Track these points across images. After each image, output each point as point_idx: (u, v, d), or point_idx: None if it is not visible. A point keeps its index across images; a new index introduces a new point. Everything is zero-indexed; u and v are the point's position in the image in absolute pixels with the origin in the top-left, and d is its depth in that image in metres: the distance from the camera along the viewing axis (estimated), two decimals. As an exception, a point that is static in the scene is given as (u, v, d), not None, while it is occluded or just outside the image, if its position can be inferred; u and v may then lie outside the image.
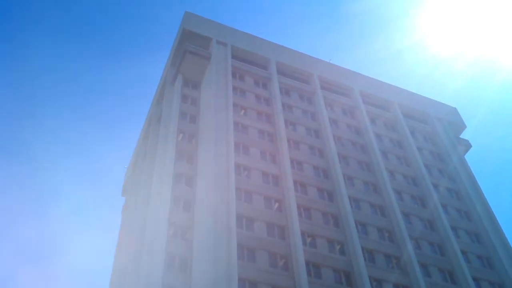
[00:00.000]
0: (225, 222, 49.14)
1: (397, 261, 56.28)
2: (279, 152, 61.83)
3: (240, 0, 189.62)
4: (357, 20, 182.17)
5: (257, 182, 56.70)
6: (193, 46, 71.82)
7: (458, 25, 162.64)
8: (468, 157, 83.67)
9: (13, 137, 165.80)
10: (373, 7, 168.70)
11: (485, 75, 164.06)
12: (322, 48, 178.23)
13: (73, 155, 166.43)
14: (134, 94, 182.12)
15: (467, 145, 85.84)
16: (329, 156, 65.01)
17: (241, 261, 47.37)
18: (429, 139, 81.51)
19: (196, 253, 48.36)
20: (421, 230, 62.34)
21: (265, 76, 74.24)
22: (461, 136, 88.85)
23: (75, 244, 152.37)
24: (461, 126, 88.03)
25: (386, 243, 57.77)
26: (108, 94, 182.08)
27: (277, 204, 55.53)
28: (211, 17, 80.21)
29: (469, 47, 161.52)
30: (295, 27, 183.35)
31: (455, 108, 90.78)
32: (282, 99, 71.11)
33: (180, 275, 47.01)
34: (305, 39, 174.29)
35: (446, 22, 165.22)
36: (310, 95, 75.74)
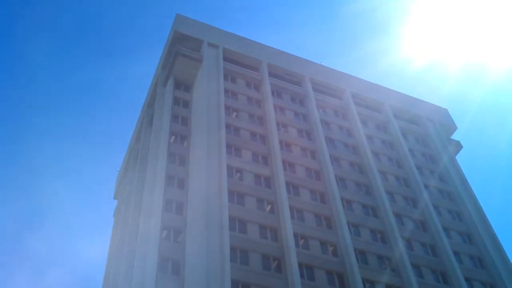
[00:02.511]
0: (217, 224, 49.09)
1: (390, 262, 56.39)
2: (271, 154, 61.83)
3: (231, 2, 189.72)
4: (350, 22, 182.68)
5: (249, 184, 56.68)
6: (184, 48, 71.68)
7: (449, 28, 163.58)
8: (459, 157, 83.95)
9: (2, 140, 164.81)
10: (366, 9, 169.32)
11: (475, 77, 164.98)
12: (314, 50, 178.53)
13: (64, 158, 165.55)
14: (125, 96, 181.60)
15: (458, 146, 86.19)
16: (321, 157, 65.08)
17: (234, 263, 47.31)
18: (420, 140, 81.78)
19: (189, 256, 48.20)
20: (413, 231, 62.52)
21: (257, 78, 74.25)
22: (452, 137, 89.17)
23: (66, 248, 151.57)
24: (452, 127, 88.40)
25: (378, 244, 57.89)
26: (100, 96, 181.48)
27: (269, 206, 55.51)
28: (203, 20, 79.95)
29: (460, 49, 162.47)
30: (287, 29, 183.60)
31: (446, 109, 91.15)
32: (274, 101, 71.11)
33: (173, 278, 46.85)
34: (297, 41, 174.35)
35: (437, 25, 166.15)
36: (302, 97, 75.81)
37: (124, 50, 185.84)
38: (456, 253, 62.51)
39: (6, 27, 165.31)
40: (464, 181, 75.53)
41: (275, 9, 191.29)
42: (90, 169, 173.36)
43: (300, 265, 50.15)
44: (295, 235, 53.10)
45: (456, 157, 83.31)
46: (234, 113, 66.09)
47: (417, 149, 78.76)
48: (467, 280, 59.52)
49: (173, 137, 62.09)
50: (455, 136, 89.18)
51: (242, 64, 75.98)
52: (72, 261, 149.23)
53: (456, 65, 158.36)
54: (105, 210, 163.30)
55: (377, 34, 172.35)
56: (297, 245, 52.23)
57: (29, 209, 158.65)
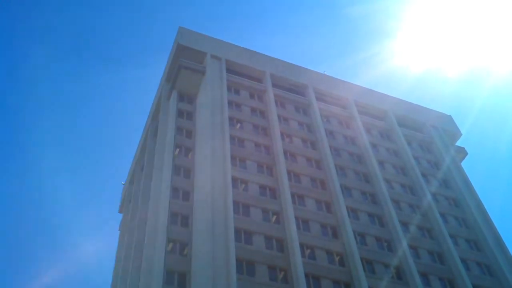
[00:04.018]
0: (223, 236, 49.05)
1: (397, 271, 56.12)
2: (276, 164, 61.83)
3: (233, 14, 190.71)
4: (349, 26, 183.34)
5: (254, 195, 56.65)
6: (187, 61, 72.01)
7: (449, 32, 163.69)
8: (464, 164, 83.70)
9: (8, 154, 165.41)
10: (365, 13, 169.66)
11: (475, 81, 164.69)
12: (313, 54, 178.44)
13: (69, 174, 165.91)
14: (130, 108, 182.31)
15: (463, 153, 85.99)
16: (326, 167, 65.00)
17: (241, 275, 47.20)
18: (425, 148, 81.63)
19: (195, 269, 48.16)
20: (419, 239, 62.27)
21: (260, 89, 74.42)
22: (455, 143, 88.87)
23: (72, 262, 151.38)
24: (457, 133, 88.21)
25: (385, 252, 57.66)
26: (104, 110, 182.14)
27: (275, 217, 55.43)
28: (205, 32, 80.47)
29: (460, 53, 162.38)
30: (286, 33, 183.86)
31: (450, 116, 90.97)
32: (277, 112, 71.17)
33: (179, 291, 46.77)
34: (296, 45, 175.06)
35: (437, 29, 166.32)
36: (305, 107, 75.88)
37: (128, 62, 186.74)
38: (463, 261, 62.12)
39: (8, 32, 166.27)
40: (469, 188, 75.23)
41: (274, 15, 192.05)
42: (96, 183, 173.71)
43: (306, 275, 49.94)
44: (301, 245, 52.95)
45: (461, 163, 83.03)
46: (238, 124, 66.22)
47: (422, 156, 78.60)
48: (476, 287, 59.11)
49: (177, 150, 62.22)
50: (459, 143, 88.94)
51: (245, 75, 76.16)
52: (78, 275, 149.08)
53: (456, 69, 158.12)
54: (110, 224, 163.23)
55: (377, 38, 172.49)
56: (303, 255, 52.07)
57: (34, 224, 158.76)
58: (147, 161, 72.95)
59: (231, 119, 65.99)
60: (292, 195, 58.57)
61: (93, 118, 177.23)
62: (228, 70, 74.80)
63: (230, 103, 68.95)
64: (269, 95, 72.78)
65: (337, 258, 54.14)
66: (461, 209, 71.36)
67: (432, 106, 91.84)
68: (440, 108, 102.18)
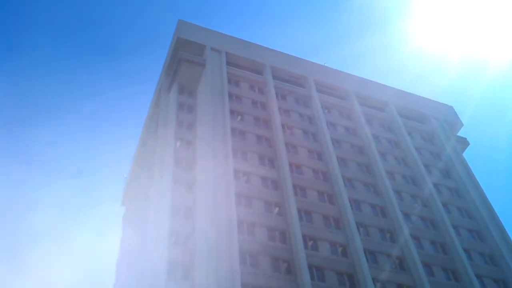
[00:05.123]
0: (226, 228, 49.05)
1: (400, 262, 56.20)
2: (277, 156, 61.80)
3: (232, 6, 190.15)
4: (349, 18, 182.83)
5: (256, 187, 56.62)
6: (187, 54, 71.86)
7: (448, 23, 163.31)
8: (465, 154, 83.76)
9: (9, 146, 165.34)
10: (365, 5, 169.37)
11: (475, 71, 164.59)
12: (313, 46, 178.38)
13: (71, 167, 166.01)
14: (130, 102, 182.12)
15: (465, 143, 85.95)
16: (328, 159, 65.01)
17: (244, 266, 47.26)
18: (426, 139, 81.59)
19: (198, 261, 48.23)
20: (422, 230, 62.31)
21: (261, 81, 74.29)
22: (457, 134, 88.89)
23: (75, 256, 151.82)
24: (458, 124, 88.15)
25: (388, 243, 57.72)
26: (104, 103, 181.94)
27: (277, 209, 55.45)
28: (204, 25, 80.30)
29: (459, 43, 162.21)
30: (286, 25, 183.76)
31: (451, 106, 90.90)
32: (278, 104, 71.13)
33: (182, 283, 46.86)
34: (297, 37, 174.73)
35: (436, 19, 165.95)
36: (306, 99, 75.79)
37: (128, 56, 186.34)
38: (466, 251, 62.27)
39: (7, 24, 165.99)
40: (471, 178, 75.28)
41: (274, 7, 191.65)
42: (96, 175, 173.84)
43: (309, 266, 50.06)
44: (304, 236, 53.04)
45: (463, 154, 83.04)
46: (239, 117, 66.14)
47: (423, 147, 78.55)
48: (478, 277, 59.27)
49: (178, 143, 62.18)
50: (460, 133, 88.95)
51: (245, 68, 76.10)
52: (81, 269, 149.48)
53: (457, 59, 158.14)
54: (113, 217, 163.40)
55: (377, 29, 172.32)
56: (306, 247, 52.13)
57: (37, 219, 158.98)
58: (148, 154, 72.94)
59: (231, 111, 65.94)
60: (294, 187, 58.64)
61: (93, 111, 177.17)
62: (228, 63, 74.74)
63: (230, 95, 68.94)
64: (270, 87, 72.67)
65: (340, 249, 54.20)
66: (463, 199, 71.41)
67: (433, 97, 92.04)
68: (441, 98, 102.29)
